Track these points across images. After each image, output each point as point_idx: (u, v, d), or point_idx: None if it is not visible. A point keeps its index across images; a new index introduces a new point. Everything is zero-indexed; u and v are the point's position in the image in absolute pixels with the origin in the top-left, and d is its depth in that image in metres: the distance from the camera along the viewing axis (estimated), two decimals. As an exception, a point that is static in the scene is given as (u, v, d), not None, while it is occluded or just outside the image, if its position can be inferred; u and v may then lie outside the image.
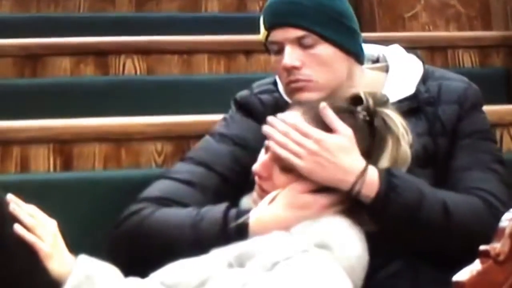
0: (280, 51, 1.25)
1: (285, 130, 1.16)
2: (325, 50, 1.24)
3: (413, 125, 1.21)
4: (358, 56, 1.28)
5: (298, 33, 1.23)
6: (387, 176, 1.15)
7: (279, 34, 1.25)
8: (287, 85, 1.25)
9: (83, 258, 1.12)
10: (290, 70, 1.23)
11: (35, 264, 1.07)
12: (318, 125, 1.17)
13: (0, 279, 1.02)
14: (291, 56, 1.23)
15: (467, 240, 1.12)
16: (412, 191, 1.16)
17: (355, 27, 1.29)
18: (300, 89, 1.23)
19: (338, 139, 1.15)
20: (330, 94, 1.22)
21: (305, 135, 1.15)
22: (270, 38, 1.26)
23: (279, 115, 1.19)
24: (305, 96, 1.23)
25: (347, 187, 1.14)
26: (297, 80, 1.23)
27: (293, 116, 1.18)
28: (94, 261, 1.12)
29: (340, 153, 1.14)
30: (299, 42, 1.23)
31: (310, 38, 1.23)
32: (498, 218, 1.08)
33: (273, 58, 1.28)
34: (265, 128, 1.18)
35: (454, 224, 1.17)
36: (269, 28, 1.26)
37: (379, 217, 1.15)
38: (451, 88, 1.30)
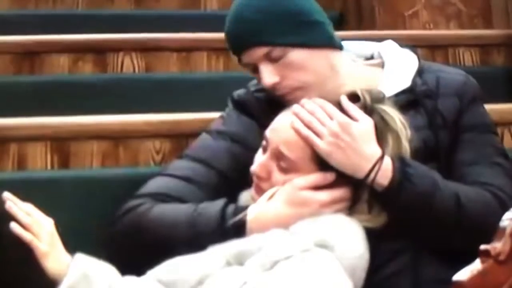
0: (255, 69, 1.26)
1: (312, 109, 1.17)
2: (295, 55, 1.23)
3: (412, 118, 1.21)
4: (331, 45, 1.27)
5: (263, 50, 1.23)
6: (401, 165, 1.16)
7: (246, 57, 1.25)
8: (280, 97, 1.25)
9: (80, 257, 1.11)
10: (274, 87, 1.24)
11: (31, 263, 1.07)
12: None
13: None
14: (267, 74, 1.23)
15: (476, 233, 1.11)
16: (426, 181, 1.16)
17: (316, 18, 1.27)
18: (293, 99, 1.23)
19: (361, 126, 1.16)
20: (324, 90, 1.22)
21: (330, 116, 1.16)
22: (242, 61, 1.27)
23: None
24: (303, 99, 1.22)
25: (362, 174, 1.15)
26: (285, 94, 1.24)
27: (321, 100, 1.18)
28: (91, 259, 1.12)
29: (360, 140, 1.15)
30: (268, 58, 1.23)
31: (277, 50, 1.23)
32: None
33: (254, 75, 1.28)
34: (294, 107, 1.18)
35: (465, 216, 1.17)
36: (237, 53, 1.27)
37: (392, 205, 1.15)
38: (449, 81, 1.30)
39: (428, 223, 1.17)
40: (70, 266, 1.09)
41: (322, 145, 1.15)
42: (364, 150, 1.15)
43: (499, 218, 1.11)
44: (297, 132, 1.16)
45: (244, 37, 1.24)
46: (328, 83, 1.24)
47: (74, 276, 1.08)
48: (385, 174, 1.15)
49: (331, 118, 1.16)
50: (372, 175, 1.14)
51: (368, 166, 1.14)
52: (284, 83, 1.23)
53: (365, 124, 1.16)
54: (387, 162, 1.16)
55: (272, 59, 1.23)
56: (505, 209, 1.14)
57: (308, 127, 1.16)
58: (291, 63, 1.23)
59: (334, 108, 1.18)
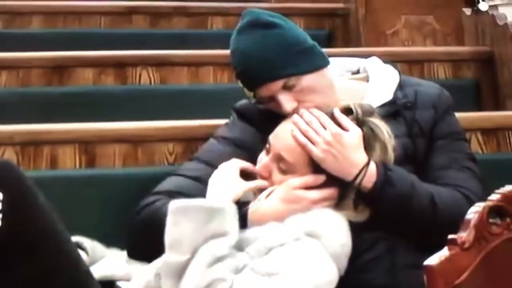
0: (272, 99, 1.25)
1: (309, 119, 1.19)
2: (307, 80, 1.23)
3: (393, 127, 1.22)
4: (327, 63, 1.28)
5: (279, 83, 1.23)
6: (384, 170, 1.17)
7: (264, 91, 1.25)
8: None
9: None
10: (292, 111, 1.23)
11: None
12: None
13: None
14: (286, 103, 1.23)
15: (449, 229, 1.11)
16: (405, 184, 1.18)
17: (310, 43, 1.27)
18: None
19: (350, 136, 1.17)
20: (326, 104, 1.23)
21: (324, 126, 1.18)
22: (258, 95, 1.26)
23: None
24: None
25: (351, 178, 1.17)
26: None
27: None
28: None
29: (350, 149, 1.17)
30: (284, 88, 1.23)
31: (291, 80, 1.23)
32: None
33: (269, 105, 1.27)
34: (293, 118, 1.20)
35: (439, 214, 1.19)
36: (253, 89, 1.26)
37: (375, 204, 1.17)
38: (426, 94, 1.31)
39: (406, 220, 1.19)
40: None
41: (316, 152, 1.17)
42: (353, 157, 1.17)
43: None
44: (295, 139, 1.18)
45: (260, 75, 1.23)
46: (331, 96, 1.24)
47: None
48: (370, 178, 1.17)
49: (325, 128, 1.18)
50: (359, 179, 1.16)
51: (356, 171, 1.16)
52: (301, 106, 1.23)
53: (354, 134, 1.18)
54: (372, 168, 1.17)
55: (288, 88, 1.23)
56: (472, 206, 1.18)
57: (305, 135, 1.17)
58: (305, 88, 1.23)
59: (328, 119, 1.19)
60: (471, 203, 1.19)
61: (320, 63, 1.27)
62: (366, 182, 1.17)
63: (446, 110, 1.32)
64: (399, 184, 1.18)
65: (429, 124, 1.29)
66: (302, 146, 1.18)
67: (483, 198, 1.19)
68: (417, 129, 1.28)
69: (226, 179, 1.17)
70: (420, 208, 1.19)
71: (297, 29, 1.29)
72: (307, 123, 1.19)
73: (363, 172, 1.17)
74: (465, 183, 1.24)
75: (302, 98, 1.24)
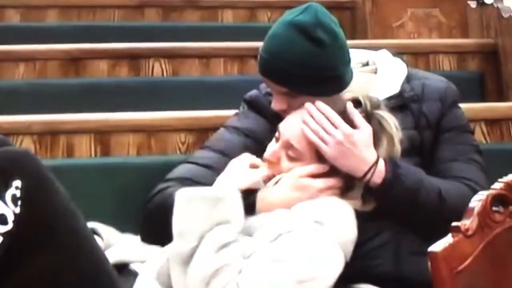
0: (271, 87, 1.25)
1: (319, 118, 1.18)
2: (309, 99, 1.20)
3: (400, 120, 1.22)
4: (338, 91, 1.23)
5: (283, 89, 1.22)
6: (393, 166, 1.17)
7: (267, 82, 1.25)
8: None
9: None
10: (279, 111, 1.24)
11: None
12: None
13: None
14: (278, 102, 1.23)
15: (455, 220, 1.13)
16: (413, 180, 1.18)
17: (340, 71, 1.22)
18: None
19: (361, 135, 1.17)
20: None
21: (334, 125, 1.17)
22: (263, 78, 1.26)
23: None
24: None
25: (361, 175, 1.17)
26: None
27: (303, 111, 1.19)
28: None
29: (360, 147, 1.16)
30: (285, 92, 1.22)
31: (294, 93, 1.21)
32: None
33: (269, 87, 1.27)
34: (304, 116, 1.18)
35: (446, 208, 1.18)
36: (260, 72, 1.25)
37: (384, 200, 1.17)
38: (433, 87, 1.30)
39: (413, 215, 1.19)
40: None
41: (328, 151, 1.16)
42: (363, 155, 1.16)
43: None
44: (307, 138, 1.17)
45: (271, 71, 1.22)
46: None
47: None
48: (379, 174, 1.17)
49: (335, 127, 1.17)
50: (369, 176, 1.16)
51: (366, 168, 1.16)
52: (290, 111, 1.23)
53: (364, 132, 1.17)
54: (381, 164, 1.17)
55: (287, 94, 1.22)
56: None
57: (316, 134, 1.17)
58: (302, 103, 1.21)
59: (338, 117, 1.18)
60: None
61: (334, 92, 1.22)
62: (376, 178, 1.17)
63: (452, 103, 1.31)
64: (407, 181, 1.17)
65: (436, 116, 1.28)
66: (317, 144, 1.17)
67: (487, 188, 1.19)
68: (424, 121, 1.27)
69: (235, 170, 1.17)
70: (428, 203, 1.18)
71: (340, 53, 1.22)
72: (317, 122, 1.18)
73: (372, 169, 1.16)
74: (472, 175, 1.24)
75: (295, 107, 1.23)
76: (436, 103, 1.29)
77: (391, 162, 1.18)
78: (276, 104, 1.24)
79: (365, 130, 1.18)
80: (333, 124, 1.18)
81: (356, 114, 1.18)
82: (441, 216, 1.18)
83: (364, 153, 1.17)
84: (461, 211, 1.17)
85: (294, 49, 1.20)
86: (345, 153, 1.16)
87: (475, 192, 1.19)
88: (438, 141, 1.27)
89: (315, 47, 1.19)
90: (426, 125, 1.27)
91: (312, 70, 1.20)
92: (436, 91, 1.30)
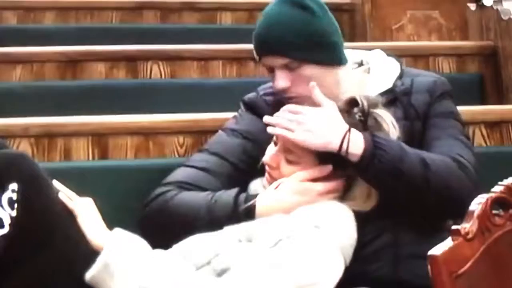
0: (272, 71, 1.27)
1: (279, 114, 1.19)
2: (310, 70, 1.24)
3: (392, 113, 1.23)
4: (341, 63, 1.28)
5: (283, 60, 1.24)
6: (370, 136, 1.17)
7: (268, 61, 1.26)
8: (285, 100, 1.26)
9: (111, 241, 1.05)
10: (282, 90, 1.25)
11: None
12: None
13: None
14: (280, 79, 1.24)
15: (443, 192, 1.12)
16: (394, 147, 1.17)
17: (335, 39, 1.27)
18: (295, 102, 1.23)
19: (322, 110, 1.17)
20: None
21: (295, 113, 1.18)
22: (262, 62, 1.28)
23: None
24: None
25: (336, 147, 1.15)
26: (290, 98, 1.25)
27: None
28: (122, 238, 1.07)
29: (324, 120, 1.16)
30: (286, 66, 1.24)
31: (294, 63, 1.23)
32: (469, 175, 1.13)
33: (269, 75, 1.29)
34: (266, 119, 1.19)
35: (432, 176, 1.17)
36: (259, 55, 1.28)
37: (367, 171, 1.16)
38: (422, 81, 1.32)
39: (401, 186, 1.16)
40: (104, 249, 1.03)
41: (294, 137, 1.16)
42: (331, 128, 1.15)
43: (460, 177, 1.13)
44: (277, 137, 1.18)
45: (270, 45, 1.24)
46: (330, 95, 1.24)
47: (97, 266, 1.02)
48: (356, 144, 1.15)
49: (296, 114, 1.17)
50: (344, 146, 1.15)
51: (338, 139, 1.15)
52: (293, 89, 1.24)
53: (327, 109, 1.17)
54: (356, 134, 1.16)
55: (289, 68, 1.24)
56: (466, 172, 1.17)
57: (280, 127, 1.17)
58: (304, 76, 1.23)
59: (294, 105, 1.19)
60: (462, 166, 1.19)
61: (331, 60, 1.27)
62: (354, 149, 1.15)
63: (441, 94, 1.32)
64: (388, 149, 1.16)
65: (424, 107, 1.29)
66: (282, 138, 1.17)
67: (476, 167, 1.17)
68: (413, 112, 1.28)
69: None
70: (413, 171, 1.16)
71: (330, 22, 1.28)
72: (277, 117, 1.19)
73: (346, 138, 1.15)
74: (456, 150, 1.23)
75: (298, 82, 1.24)
76: (424, 94, 1.30)
77: (367, 133, 1.17)
78: (279, 82, 1.24)
79: (328, 106, 1.18)
80: (293, 113, 1.18)
81: (317, 94, 1.19)
82: (428, 185, 1.16)
83: (332, 125, 1.16)
84: (447, 179, 1.17)
85: (288, 19, 1.24)
86: (312, 132, 1.16)
87: (459, 163, 1.20)
88: (425, 127, 1.28)
89: (307, 14, 1.24)
90: (415, 116, 1.28)
91: (307, 35, 1.24)
92: (425, 84, 1.32)
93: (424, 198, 1.18)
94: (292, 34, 1.23)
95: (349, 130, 1.16)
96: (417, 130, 1.28)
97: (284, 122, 1.17)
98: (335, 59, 1.27)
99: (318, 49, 1.25)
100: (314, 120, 1.16)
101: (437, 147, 1.24)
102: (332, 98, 1.23)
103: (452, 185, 1.11)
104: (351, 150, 1.16)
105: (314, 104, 1.21)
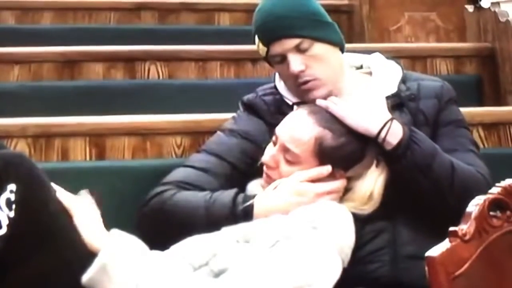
0: (283, 60, 1.27)
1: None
2: (319, 48, 1.26)
3: (398, 118, 1.23)
4: (342, 46, 1.31)
5: (294, 41, 1.25)
6: (409, 130, 1.19)
7: (278, 47, 1.26)
8: (298, 87, 1.27)
9: (110, 243, 1.04)
10: (298, 75, 1.25)
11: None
12: (327, 123, 1.19)
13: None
14: (295, 62, 1.25)
15: (463, 196, 1.11)
16: (428, 145, 1.20)
17: (329, 20, 1.31)
18: (310, 89, 1.26)
19: (374, 95, 1.21)
20: (336, 87, 1.25)
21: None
22: (271, 52, 1.28)
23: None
24: (315, 94, 1.25)
25: (375, 132, 1.17)
26: (305, 82, 1.26)
27: (300, 113, 1.22)
28: (120, 241, 1.06)
29: (371, 103, 1.19)
30: (297, 49, 1.25)
31: (305, 42, 1.25)
32: (489, 185, 1.12)
33: (277, 67, 1.29)
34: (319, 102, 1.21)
35: (457, 179, 1.20)
36: (268, 44, 1.28)
37: (398, 162, 1.18)
38: (428, 86, 1.33)
39: (427, 182, 1.18)
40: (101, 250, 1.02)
41: (336, 109, 1.19)
42: (376, 112, 1.18)
43: (482, 186, 1.15)
44: (319, 103, 1.20)
45: (278, 30, 1.25)
46: (338, 81, 1.26)
47: (95, 268, 1.01)
48: (395, 134, 1.18)
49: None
50: (383, 133, 1.17)
51: (380, 125, 1.17)
52: (308, 71, 1.25)
53: (378, 95, 1.20)
54: (397, 125, 1.19)
55: (300, 50, 1.25)
56: (487, 181, 1.20)
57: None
58: (316, 55, 1.25)
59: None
60: (483, 177, 1.22)
61: (336, 39, 1.30)
62: (391, 138, 1.18)
63: (448, 100, 1.33)
64: (423, 145, 1.18)
65: (433, 113, 1.30)
66: (327, 108, 1.20)
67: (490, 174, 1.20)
68: (422, 118, 1.29)
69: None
70: (442, 171, 1.19)
71: (320, 5, 1.32)
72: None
73: (387, 126, 1.17)
74: (473, 162, 1.26)
75: (311, 64, 1.25)
76: (432, 100, 1.31)
77: (407, 126, 1.20)
78: (295, 65, 1.25)
79: (378, 94, 1.21)
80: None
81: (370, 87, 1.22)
82: (453, 187, 1.19)
83: (377, 110, 1.19)
84: (470, 186, 1.18)
85: (286, 2, 1.26)
86: (356, 109, 1.18)
87: (481, 174, 1.23)
88: (437, 134, 1.29)
89: None
90: (423, 122, 1.29)
91: (312, 14, 1.27)
92: (432, 89, 1.33)
93: (444, 199, 1.19)
94: (299, 13, 1.26)
95: (391, 119, 1.19)
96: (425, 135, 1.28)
97: (331, 98, 1.20)
98: (336, 37, 1.30)
99: (325, 27, 1.28)
100: (360, 102, 1.19)
101: (453, 158, 1.25)
102: (335, 81, 1.25)
103: (473, 193, 1.12)
104: (388, 138, 1.18)
105: (328, 88, 1.24)
